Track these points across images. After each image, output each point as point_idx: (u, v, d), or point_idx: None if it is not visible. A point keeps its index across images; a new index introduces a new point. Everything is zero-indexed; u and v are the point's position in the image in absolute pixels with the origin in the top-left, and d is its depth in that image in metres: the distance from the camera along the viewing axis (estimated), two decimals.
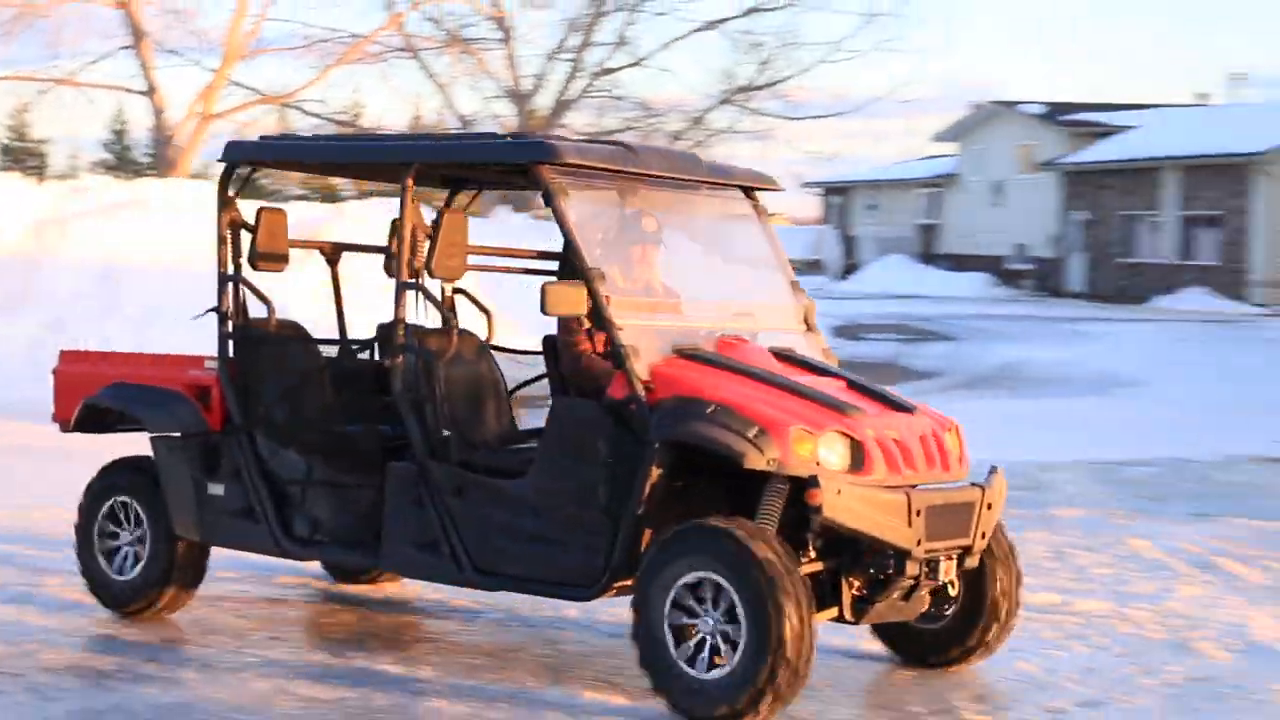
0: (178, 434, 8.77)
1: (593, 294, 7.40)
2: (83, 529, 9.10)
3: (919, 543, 7.17)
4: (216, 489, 8.67)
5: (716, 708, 6.91)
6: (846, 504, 6.97)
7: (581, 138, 8.35)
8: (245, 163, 8.94)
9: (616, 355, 7.39)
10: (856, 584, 7.41)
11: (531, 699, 7.60)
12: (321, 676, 7.91)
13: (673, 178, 8.27)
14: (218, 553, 9.11)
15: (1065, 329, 36.63)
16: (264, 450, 8.56)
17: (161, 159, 34.46)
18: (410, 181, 8.05)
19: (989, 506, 7.56)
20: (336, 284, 9.71)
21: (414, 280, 8.11)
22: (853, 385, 7.82)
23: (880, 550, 7.22)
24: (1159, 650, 8.69)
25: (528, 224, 28.62)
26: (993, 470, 7.76)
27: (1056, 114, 60.40)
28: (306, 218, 25.43)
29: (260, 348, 8.75)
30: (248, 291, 8.78)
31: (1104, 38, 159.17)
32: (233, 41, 33.84)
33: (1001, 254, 59.53)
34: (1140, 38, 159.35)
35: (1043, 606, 9.48)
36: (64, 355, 9.52)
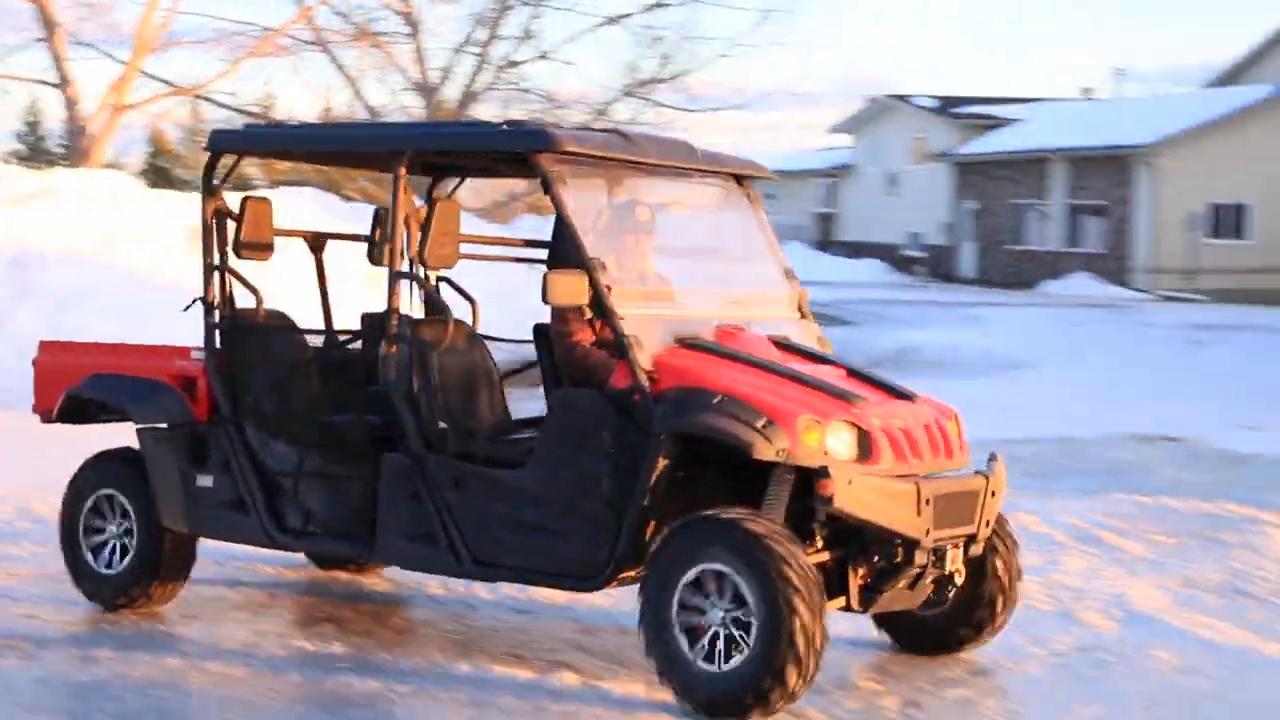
0: (164, 425, 8.47)
1: (594, 284, 7.18)
2: (67, 523, 8.76)
3: (927, 532, 7.00)
4: (205, 480, 8.37)
5: (729, 700, 6.72)
6: (857, 494, 6.78)
7: (577, 125, 8.10)
8: (230, 152, 8.63)
9: (620, 345, 7.17)
10: (862, 573, 7.23)
11: (440, 673, 7.61)
12: (236, 655, 7.88)
13: (668, 165, 8.04)
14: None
15: (957, 314, 36.88)
16: (253, 441, 8.28)
17: (75, 150, 34.05)
18: (403, 170, 7.77)
19: (992, 494, 7.39)
20: (321, 273, 9.38)
21: (408, 270, 7.85)
22: (853, 373, 7.63)
23: (887, 539, 7.05)
24: (1047, 621, 8.77)
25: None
26: (993, 458, 7.62)
27: (948, 107, 60.84)
28: None
29: (248, 338, 8.46)
30: (234, 281, 8.48)
31: (993, 34, 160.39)
32: (144, 34, 33.47)
33: (896, 242, 59.89)
34: (1028, 34, 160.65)
35: None
36: (44, 345, 9.17)
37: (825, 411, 6.97)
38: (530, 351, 8.47)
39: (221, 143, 8.57)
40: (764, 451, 6.80)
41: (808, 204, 67.04)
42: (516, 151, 7.67)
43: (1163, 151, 47.10)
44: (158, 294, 22.16)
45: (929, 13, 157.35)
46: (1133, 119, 50.32)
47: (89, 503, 8.73)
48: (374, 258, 8.80)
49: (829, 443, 6.88)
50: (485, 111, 36.79)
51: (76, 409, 8.88)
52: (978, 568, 7.62)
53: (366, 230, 9.11)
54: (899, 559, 7.09)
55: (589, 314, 7.73)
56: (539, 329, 8.37)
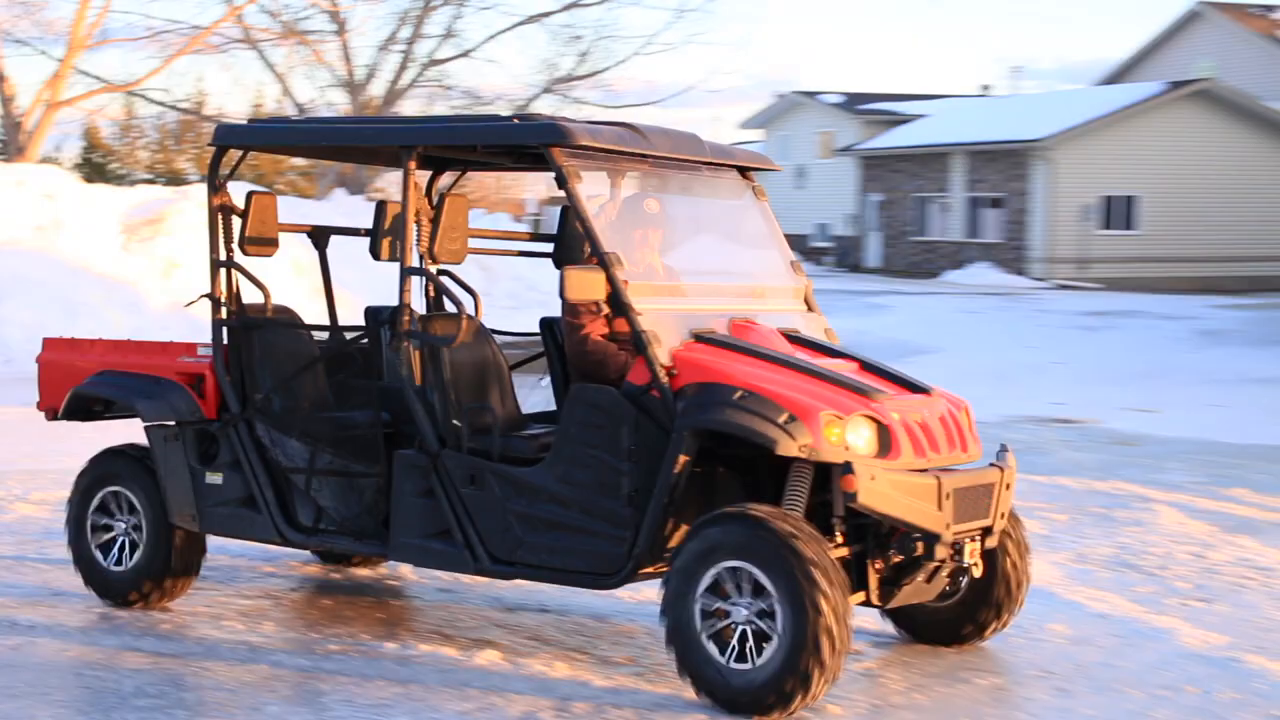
0: (173, 422, 8.15)
1: (610, 279, 6.93)
2: (75, 519, 8.46)
3: (948, 526, 6.78)
4: (214, 478, 8.07)
5: (756, 697, 6.50)
6: (880, 489, 6.56)
7: (589, 119, 7.76)
8: (235, 147, 8.29)
9: (637, 341, 6.90)
10: (880, 567, 7.04)
11: (367, 652, 7.59)
12: (167, 638, 7.84)
13: (680, 159, 7.75)
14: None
15: (864, 301, 37.04)
16: (263, 438, 7.96)
17: (11, 145, 33.70)
18: (412, 164, 7.47)
19: (1007, 486, 7.19)
20: (325, 268, 8.97)
21: (419, 265, 7.55)
22: (866, 366, 7.39)
23: (906, 533, 6.84)
24: None
25: (360, 205, 28.35)
26: (1004, 449, 7.41)
27: (854, 103, 61.12)
28: (149, 200, 25.03)
29: (257, 334, 8.07)
30: (240, 277, 8.10)
31: (896, 33, 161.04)
32: (77, 32, 33.14)
33: (805, 232, 60.07)
34: (929, 33, 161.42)
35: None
36: (47, 343, 8.82)
37: (845, 406, 6.75)
38: (522, 342, 8.34)
39: (226, 138, 8.21)
40: (787, 448, 6.57)
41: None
42: (530, 146, 7.39)
43: (1057, 146, 47.46)
44: (94, 285, 22.00)
45: (838, 13, 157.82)
46: (1029, 115, 50.65)
47: (96, 499, 8.44)
48: (375, 253, 8.48)
49: (849, 438, 6.67)
50: (410, 108, 36.70)
51: (82, 406, 8.59)
52: (989, 560, 7.39)
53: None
54: (919, 553, 6.86)
55: (606, 309, 7.45)
56: (545, 322, 8.21)
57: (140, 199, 25.10)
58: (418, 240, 7.64)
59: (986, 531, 7.12)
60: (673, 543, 6.96)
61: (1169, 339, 28.98)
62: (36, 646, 7.63)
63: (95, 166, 51.19)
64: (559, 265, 8.42)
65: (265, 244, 8.10)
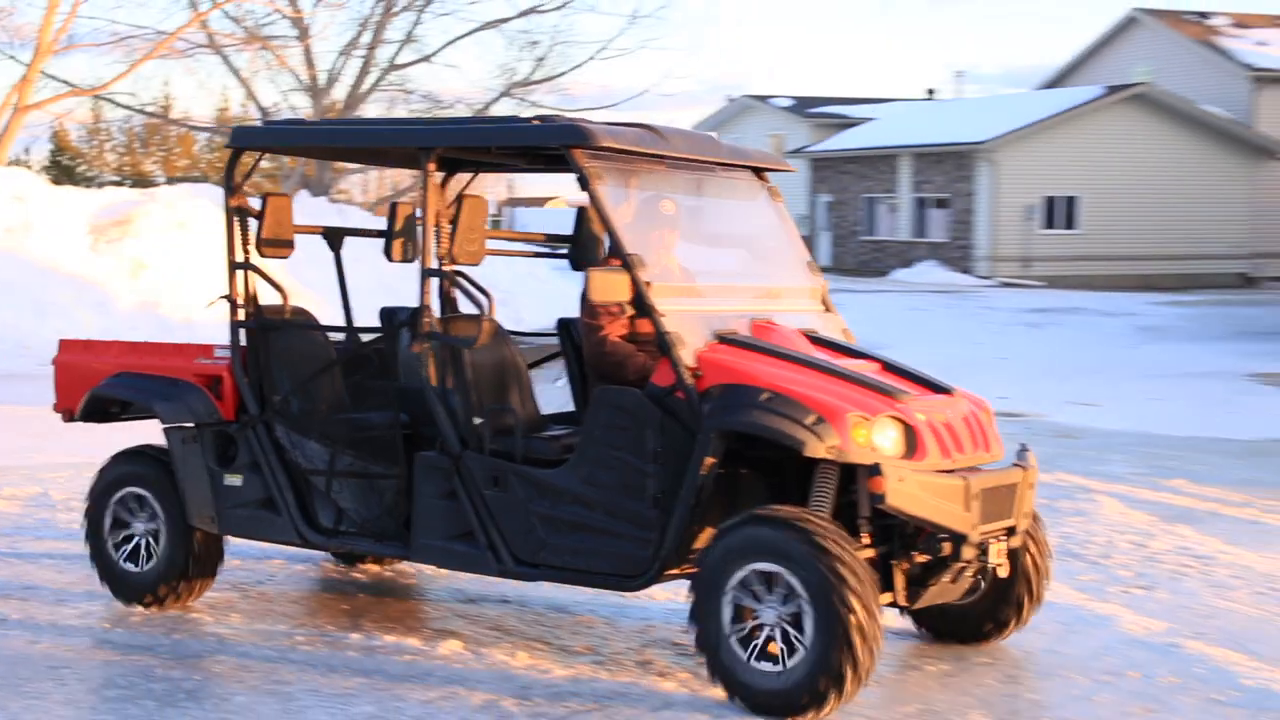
0: (191, 424, 7.93)
1: (634, 280, 6.74)
2: (93, 521, 8.23)
3: (975, 526, 6.61)
4: (234, 480, 7.85)
5: (783, 700, 6.34)
6: (909, 490, 6.39)
7: (609, 121, 7.58)
8: (252, 149, 8.07)
9: (662, 342, 6.72)
10: (906, 568, 6.86)
11: (332, 642, 7.56)
12: (134, 629, 7.79)
13: (699, 160, 7.56)
14: None
15: None
16: (283, 440, 7.74)
17: None
18: (432, 166, 7.28)
19: (1029, 486, 7.01)
20: (340, 270, 8.68)
21: (438, 267, 7.32)
22: (888, 367, 7.20)
23: (932, 534, 6.68)
24: None
25: (323, 207, 28.26)
26: (1024, 449, 7.20)
27: (804, 107, 61.23)
28: (116, 202, 24.89)
29: (274, 336, 7.86)
30: (258, 279, 7.87)
31: (845, 39, 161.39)
32: (45, 37, 32.90)
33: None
34: (876, 39, 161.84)
35: None
36: (63, 344, 8.60)
37: (871, 408, 6.56)
38: (534, 342, 8.18)
39: (243, 139, 8.00)
40: (816, 449, 6.39)
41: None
42: (552, 148, 7.17)
43: (1001, 148, 47.60)
44: (63, 285, 21.88)
45: (788, 19, 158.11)
46: (973, 118, 50.81)
47: (115, 501, 8.21)
48: (390, 254, 8.36)
49: (876, 439, 6.49)
50: (371, 111, 36.60)
51: (99, 408, 8.37)
52: (1010, 559, 7.17)
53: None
54: (945, 554, 6.72)
55: (630, 310, 7.21)
56: (562, 323, 8.06)
57: (108, 201, 24.97)
58: (437, 241, 7.40)
59: (1010, 531, 6.93)
60: (697, 544, 6.78)
61: (1109, 335, 29.12)
62: (7, 639, 7.57)
63: (64, 169, 50.97)
64: (575, 266, 8.32)
65: (281, 245, 7.86)
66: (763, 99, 62.67)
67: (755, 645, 6.41)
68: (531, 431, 7.46)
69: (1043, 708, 6.81)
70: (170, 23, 36.78)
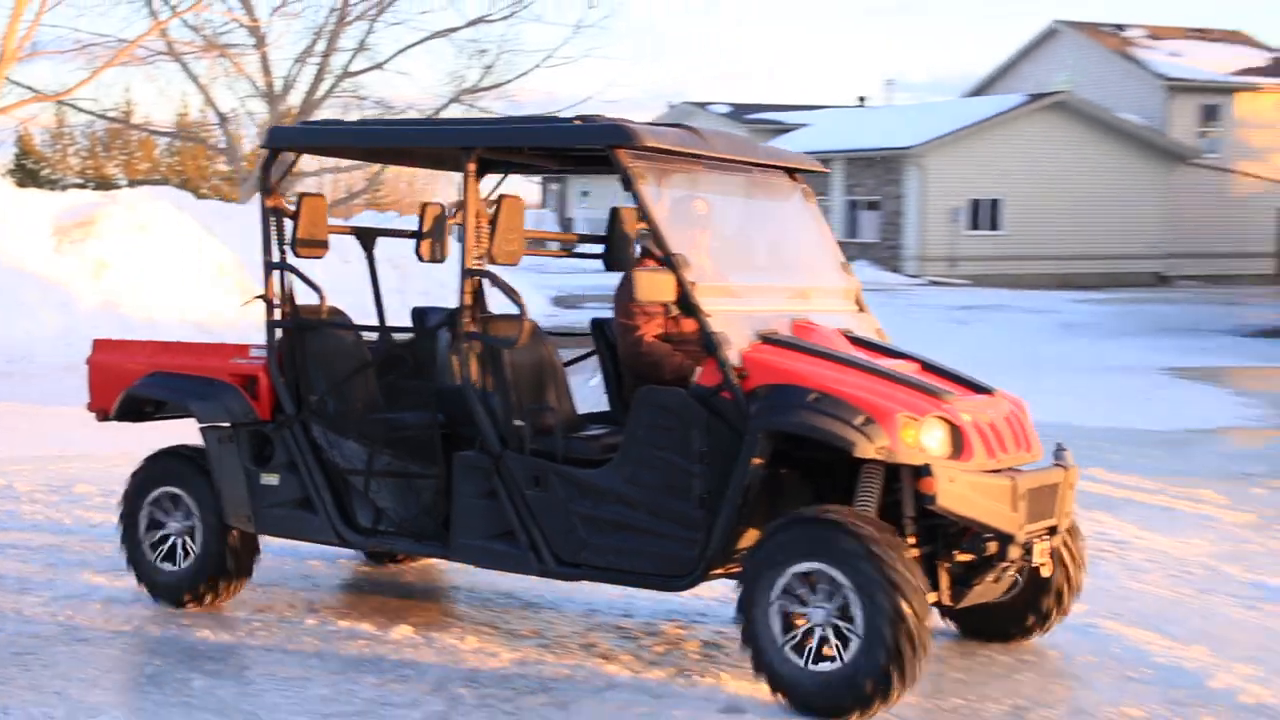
0: (227, 424, 7.68)
1: (679, 280, 6.51)
2: (128, 521, 7.96)
3: (1021, 527, 6.40)
4: (270, 479, 7.59)
5: (828, 700, 6.11)
6: (959, 491, 6.16)
7: (651, 121, 7.28)
8: (288, 149, 7.78)
9: (708, 342, 6.47)
10: (948, 567, 6.63)
11: (288, 627, 7.54)
12: (97, 613, 7.74)
13: (737, 161, 7.32)
14: None
15: None
16: (320, 439, 7.47)
17: None
18: (473, 166, 7.05)
19: (1070, 486, 6.81)
20: (373, 269, 8.45)
21: (479, 267, 7.07)
22: (927, 366, 7.00)
23: (977, 534, 6.45)
24: None
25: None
26: (1062, 449, 7.00)
27: (741, 113, 61.27)
28: (79, 204, 24.68)
29: (311, 336, 7.59)
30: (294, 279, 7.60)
31: (780, 48, 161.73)
32: (9, 45, 32.57)
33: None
34: (811, 48, 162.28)
35: None
36: (97, 344, 8.33)
37: (919, 408, 6.32)
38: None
39: (278, 139, 7.69)
40: (865, 450, 6.15)
41: (616, 200, 66.62)
42: (595, 148, 6.91)
43: (928, 153, 47.78)
44: (27, 285, 21.65)
45: (726, 29, 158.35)
46: (902, 124, 50.98)
47: (149, 502, 7.95)
48: (421, 253, 8.02)
49: (924, 440, 6.25)
50: (324, 117, 36.43)
51: (134, 407, 8.12)
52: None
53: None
54: (991, 553, 6.50)
55: (675, 310, 6.98)
56: (596, 323, 7.86)
57: (71, 203, 24.74)
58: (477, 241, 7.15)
59: (1052, 531, 6.73)
60: (741, 544, 6.56)
61: (1032, 331, 29.28)
62: None
63: (28, 172, 50.47)
64: (609, 267, 8.16)
65: (316, 245, 7.60)
66: (702, 105, 62.67)
67: (802, 645, 6.20)
68: (570, 431, 7.21)
69: (967, 685, 6.83)
70: (131, 31, 36.62)
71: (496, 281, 7.05)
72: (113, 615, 7.71)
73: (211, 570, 7.77)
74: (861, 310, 7.57)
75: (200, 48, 35.34)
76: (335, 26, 35.40)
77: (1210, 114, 51.34)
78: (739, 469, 6.35)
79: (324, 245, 7.64)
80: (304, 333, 7.61)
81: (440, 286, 20.71)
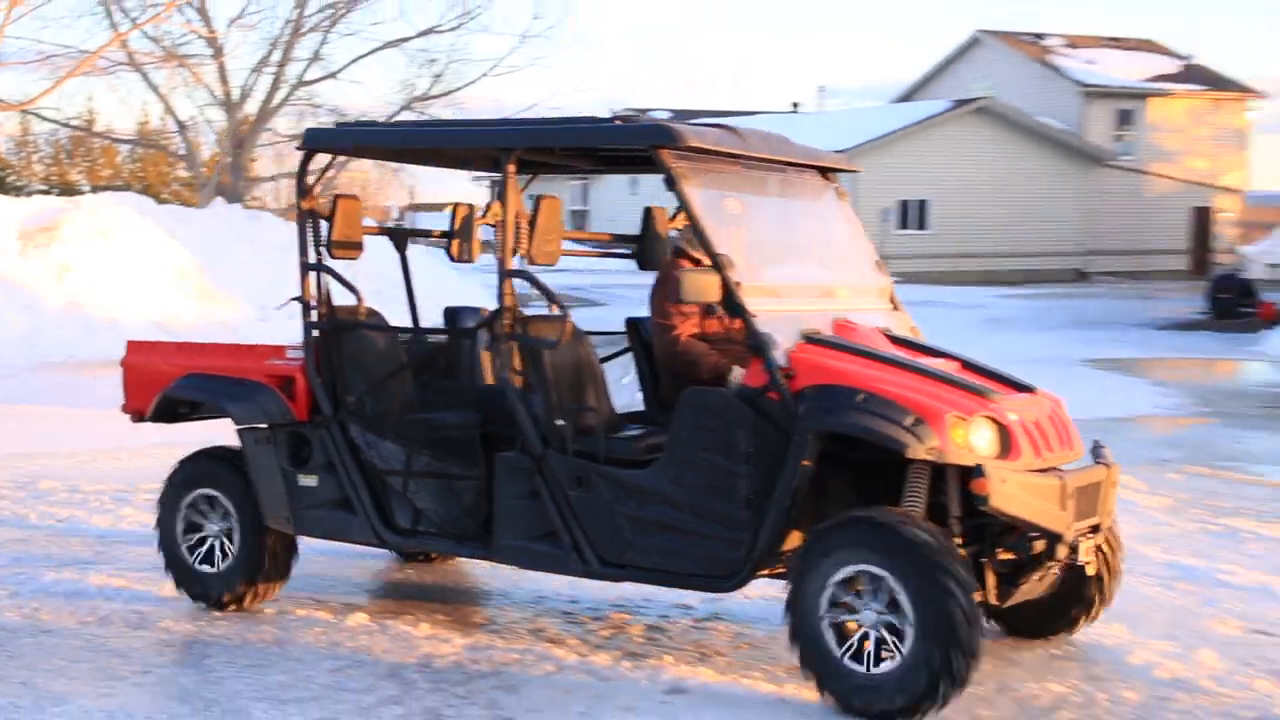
0: (265, 425, 7.39)
1: (724, 281, 6.25)
2: (166, 522, 7.69)
3: (1069, 525, 6.16)
4: (308, 481, 7.32)
5: (878, 702, 5.84)
6: (1010, 491, 5.89)
7: (693, 122, 6.95)
8: (325, 151, 7.43)
9: (756, 342, 6.20)
10: (993, 567, 6.36)
11: (247, 616, 7.49)
12: (63, 605, 7.66)
13: (776, 160, 7.04)
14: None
15: None
16: (358, 440, 7.22)
17: None
18: (512, 167, 6.75)
19: (1112, 484, 6.56)
20: (406, 270, 8.13)
21: (518, 268, 6.80)
22: (967, 365, 6.72)
23: (1023, 533, 6.21)
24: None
25: (238, 214, 27.91)
26: (1100, 446, 6.74)
27: (680, 119, 61.04)
28: (44, 209, 24.46)
29: (347, 337, 7.34)
30: (330, 280, 7.34)
31: (716, 56, 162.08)
32: None
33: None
34: (745, 56, 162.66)
35: None
36: (132, 346, 8.06)
37: (967, 408, 6.06)
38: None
39: (315, 141, 7.37)
40: (916, 451, 5.88)
41: (564, 202, 66.95)
42: (637, 148, 6.65)
43: (859, 156, 47.91)
44: None
45: (666, 38, 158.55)
46: (834, 129, 51.09)
47: (186, 504, 7.69)
48: (453, 255, 7.77)
49: (973, 440, 5.99)
50: (282, 125, 36.25)
51: (169, 409, 7.85)
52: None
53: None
54: (1038, 552, 6.27)
55: (720, 310, 6.71)
56: (631, 322, 7.63)
57: (36, 209, 24.54)
58: (513, 242, 6.88)
59: (1095, 529, 6.50)
60: (787, 544, 6.30)
61: (960, 325, 29.37)
62: None
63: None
64: (642, 266, 7.98)
65: (351, 247, 7.34)
66: (643, 111, 62.74)
67: (851, 645, 5.95)
68: (610, 432, 6.90)
69: None
70: (93, 42, 36.26)
71: (535, 283, 6.81)
72: (78, 608, 7.64)
73: (251, 571, 7.54)
74: (896, 309, 7.37)
75: (160, 58, 35.13)
76: (290, 37, 35.24)
77: (1125, 118, 51.81)
78: (787, 470, 6.10)
79: (359, 247, 7.39)
80: (340, 333, 7.37)
81: (441, 287, 20.65)
